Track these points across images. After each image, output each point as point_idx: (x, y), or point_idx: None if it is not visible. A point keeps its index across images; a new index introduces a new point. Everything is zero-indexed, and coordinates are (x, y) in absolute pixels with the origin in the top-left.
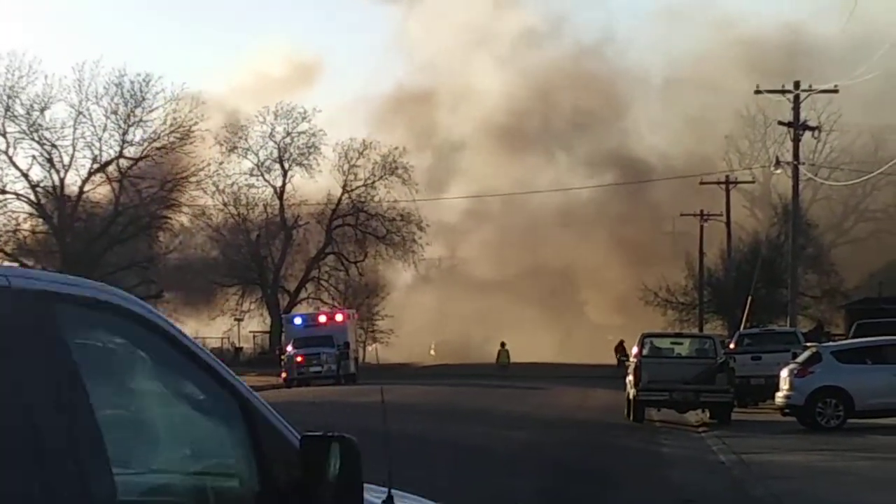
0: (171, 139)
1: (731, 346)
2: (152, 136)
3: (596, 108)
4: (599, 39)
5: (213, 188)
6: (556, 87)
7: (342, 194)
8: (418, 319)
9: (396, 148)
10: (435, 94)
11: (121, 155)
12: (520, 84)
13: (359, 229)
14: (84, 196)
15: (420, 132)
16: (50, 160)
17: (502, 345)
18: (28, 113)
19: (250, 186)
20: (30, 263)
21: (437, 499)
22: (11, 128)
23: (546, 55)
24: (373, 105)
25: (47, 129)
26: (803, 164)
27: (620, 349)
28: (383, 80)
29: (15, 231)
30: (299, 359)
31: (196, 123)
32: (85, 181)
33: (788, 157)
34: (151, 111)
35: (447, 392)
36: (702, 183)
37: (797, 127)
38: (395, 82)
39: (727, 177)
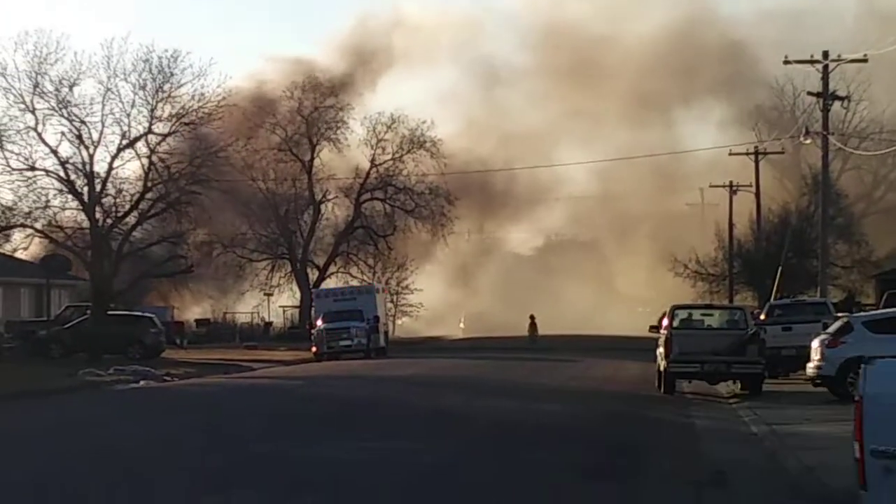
0: (200, 115)
1: (762, 317)
2: (181, 111)
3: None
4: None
5: (242, 163)
6: (569, 56)
7: (370, 168)
8: (448, 292)
9: (424, 122)
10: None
11: (149, 131)
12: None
13: (387, 203)
14: (113, 172)
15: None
16: (79, 136)
17: (531, 318)
18: (57, 90)
19: (279, 161)
20: (60, 239)
21: (469, 471)
22: (40, 104)
23: (560, 18)
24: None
25: (76, 105)
26: (832, 134)
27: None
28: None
29: (45, 207)
30: (330, 333)
31: (224, 99)
32: (114, 157)
33: (818, 127)
34: (180, 87)
35: (478, 365)
36: (731, 154)
37: (826, 97)
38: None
39: (756, 147)
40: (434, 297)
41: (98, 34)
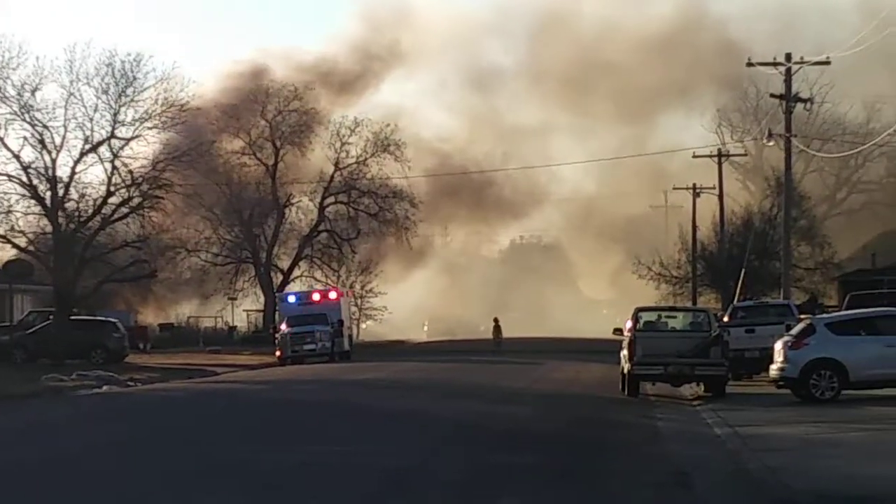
0: (163, 119)
1: (725, 319)
2: (144, 115)
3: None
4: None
5: (206, 167)
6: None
7: (334, 172)
8: (411, 296)
9: (388, 125)
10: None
11: (112, 135)
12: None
13: (351, 206)
14: (76, 177)
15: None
16: (41, 141)
17: (495, 320)
18: (19, 94)
19: (242, 165)
20: (22, 244)
21: (433, 474)
22: (2, 109)
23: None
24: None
25: (38, 110)
26: (795, 136)
27: None
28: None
29: (7, 212)
30: (293, 337)
31: (187, 103)
32: (77, 162)
33: (780, 129)
34: (143, 91)
35: (442, 369)
36: (694, 156)
37: (789, 99)
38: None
39: (719, 150)
40: (398, 301)
41: (61, 39)
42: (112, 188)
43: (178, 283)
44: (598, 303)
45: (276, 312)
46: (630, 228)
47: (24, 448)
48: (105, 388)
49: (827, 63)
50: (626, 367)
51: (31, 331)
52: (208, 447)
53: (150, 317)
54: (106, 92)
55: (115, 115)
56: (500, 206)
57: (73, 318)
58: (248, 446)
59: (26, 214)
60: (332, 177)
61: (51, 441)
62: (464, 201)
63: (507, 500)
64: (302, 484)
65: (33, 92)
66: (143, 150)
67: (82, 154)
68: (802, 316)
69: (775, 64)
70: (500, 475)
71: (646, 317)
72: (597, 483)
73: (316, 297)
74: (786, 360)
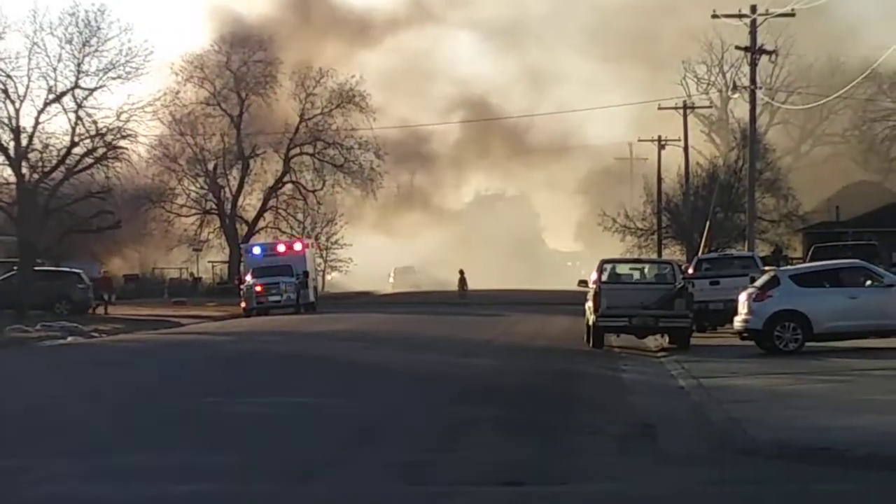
0: (127, 69)
1: (690, 271)
2: (108, 66)
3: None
4: None
5: (170, 118)
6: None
7: (299, 123)
8: (377, 248)
9: (353, 76)
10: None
11: (76, 85)
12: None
13: (316, 158)
14: (40, 127)
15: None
16: (4, 91)
17: (461, 272)
18: None
19: (207, 116)
20: None
21: (396, 426)
22: None
23: None
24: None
25: (1, 59)
26: (760, 88)
27: None
28: None
29: None
30: (258, 288)
31: (151, 53)
32: (40, 112)
33: (745, 81)
34: (107, 41)
35: (407, 321)
36: (660, 108)
37: (754, 51)
38: None
39: (685, 102)
40: (363, 252)
41: None
42: (76, 138)
43: (143, 233)
44: (563, 255)
45: (241, 264)
46: (595, 180)
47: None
48: (69, 339)
49: (792, 15)
50: (590, 318)
51: None
52: (172, 398)
53: (114, 268)
54: (70, 42)
55: (79, 65)
56: (463, 159)
57: (37, 269)
58: (212, 398)
59: None
60: (297, 128)
61: (13, 391)
62: (431, 154)
63: (467, 451)
64: (266, 433)
65: None
66: (107, 100)
67: (46, 104)
68: (767, 268)
69: (740, 16)
70: (462, 427)
71: (611, 269)
72: (559, 435)
73: (281, 248)
74: (750, 311)
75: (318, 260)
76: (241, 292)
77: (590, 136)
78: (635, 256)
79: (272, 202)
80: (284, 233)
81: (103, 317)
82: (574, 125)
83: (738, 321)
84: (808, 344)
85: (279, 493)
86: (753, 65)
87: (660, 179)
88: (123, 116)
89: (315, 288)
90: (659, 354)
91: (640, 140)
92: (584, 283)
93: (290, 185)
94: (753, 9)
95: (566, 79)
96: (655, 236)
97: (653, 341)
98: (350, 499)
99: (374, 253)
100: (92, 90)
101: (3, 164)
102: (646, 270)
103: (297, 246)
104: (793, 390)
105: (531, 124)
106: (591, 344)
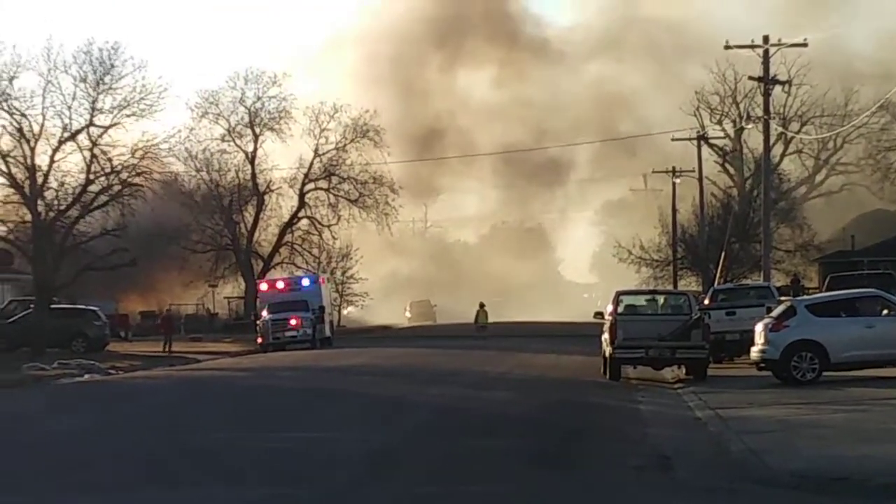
0: (142, 106)
1: (706, 301)
2: (122, 103)
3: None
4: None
5: (185, 154)
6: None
7: (314, 158)
8: (393, 281)
9: (367, 111)
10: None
11: (91, 123)
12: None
13: (331, 193)
14: (55, 165)
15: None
16: (20, 130)
17: (481, 305)
18: None
19: (222, 152)
20: (1, 233)
21: (411, 459)
22: None
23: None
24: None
25: (16, 98)
26: (774, 118)
27: None
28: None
29: None
30: (276, 324)
31: (166, 90)
32: (55, 150)
33: (759, 111)
34: (121, 79)
35: (424, 354)
36: (673, 139)
37: (767, 81)
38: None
39: (698, 133)
40: (379, 286)
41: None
42: (91, 176)
43: (159, 270)
44: (579, 286)
45: (257, 299)
46: (610, 211)
47: (2, 436)
48: (86, 376)
49: (804, 45)
50: (607, 350)
51: (11, 320)
52: (188, 434)
53: (131, 305)
54: (84, 80)
55: (94, 102)
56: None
57: (53, 306)
58: (228, 433)
59: (5, 203)
60: (311, 163)
61: (29, 429)
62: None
63: (483, 484)
64: (280, 468)
65: (11, 80)
66: (121, 137)
67: (61, 142)
68: (783, 298)
69: (753, 46)
70: (478, 459)
71: (627, 300)
72: (576, 467)
73: (296, 283)
74: (767, 342)
75: (334, 294)
76: (258, 328)
77: (605, 168)
78: (651, 288)
79: (287, 237)
80: (300, 268)
81: (120, 353)
82: (588, 157)
83: (754, 351)
84: (825, 373)
85: None
86: (767, 95)
87: (674, 210)
88: (138, 153)
89: (331, 322)
90: (676, 386)
91: (654, 171)
92: (600, 314)
93: (305, 221)
94: (766, 39)
95: (571, 114)
96: (671, 267)
97: (670, 373)
98: None
99: (389, 285)
100: (107, 128)
101: (19, 203)
102: (661, 302)
103: (313, 281)
104: (810, 420)
105: (546, 155)
106: (607, 376)
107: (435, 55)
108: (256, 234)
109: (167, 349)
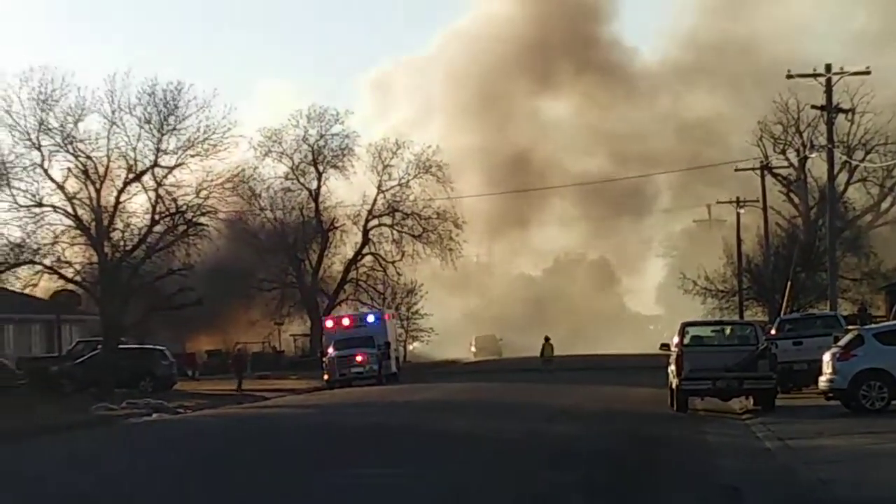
0: (206, 146)
1: (772, 331)
2: (186, 143)
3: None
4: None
5: (249, 193)
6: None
7: (377, 194)
8: (457, 316)
9: (430, 146)
10: None
11: (156, 164)
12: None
13: (395, 229)
14: (120, 206)
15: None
16: (85, 172)
17: (546, 339)
18: (62, 126)
19: (286, 190)
20: (69, 275)
21: (484, 495)
22: (46, 141)
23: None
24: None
25: (81, 140)
26: (837, 146)
27: None
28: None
29: (53, 243)
30: (342, 360)
31: (230, 129)
32: (121, 191)
33: (822, 140)
34: (184, 119)
35: (491, 388)
36: (737, 170)
37: (830, 110)
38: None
39: (762, 162)
40: (444, 321)
41: (101, 69)
42: (156, 216)
43: (224, 309)
44: (645, 318)
45: (323, 336)
46: (675, 243)
47: (77, 476)
48: (155, 415)
49: (867, 73)
50: (674, 382)
51: (79, 360)
52: (259, 471)
53: (198, 343)
54: (148, 121)
55: (158, 143)
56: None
57: (121, 346)
58: (299, 470)
59: (72, 245)
60: (374, 199)
61: (105, 469)
62: (508, 219)
63: None
64: None
65: (76, 123)
66: (186, 177)
67: (126, 183)
68: (850, 327)
69: (815, 75)
70: (551, 494)
71: (693, 331)
72: (645, 499)
73: (362, 319)
74: (834, 371)
75: (400, 330)
76: (324, 364)
77: (668, 200)
78: (717, 318)
79: (352, 274)
80: (365, 304)
81: (187, 392)
82: (655, 188)
83: (822, 381)
84: (894, 402)
85: None
86: (830, 123)
87: (739, 240)
88: (203, 193)
89: (397, 358)
90: (744, 416)
91: (718, 202)
92: (666, 346)
93: (369, 257)
94: (828, 68)
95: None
96: (737, 298)
97: (737, 403)
98: None
99: (454, 320)
100: (171, 168)
101: (86, 245)
102: (728, 332)
103: (378, 317)
104: (880, 450)
105: (609, 188)
106: (675, 408)
107: (520, 82)
108: (321, 272)
109: (239, 388)
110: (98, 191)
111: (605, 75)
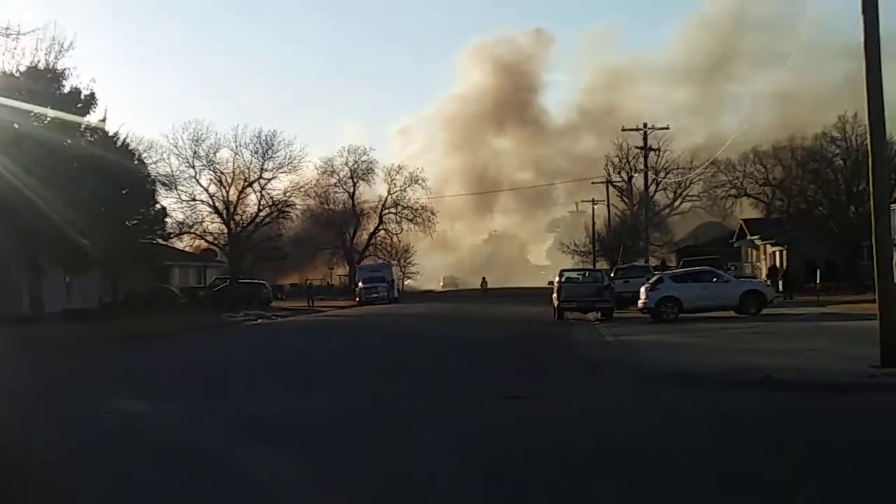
0: (289, 167)
1: (612, 275)
2: (278, 166)
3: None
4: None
5: (314, 194)
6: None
7: (387, 196)
8: (434, 264)
9: (419, 168)
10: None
11: (260, 177)
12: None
13: (398, 214)
14: (240, 201)
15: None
16: (220, 181)
17: (483, 279)
18: (207, 154)
19: (335, 192)
20: (210, 240)
21: (452, 364)
22: (198, 164)
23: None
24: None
25: (217, 163)
26: (651, 170)
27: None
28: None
29: (201, 222)
30: (366, 289)
31: (305, 157)
32: (240, 192)
33: (641, 166)
34: (277, 151)
35: (452, 307)
36: (592, 183)
37: (646, 150)
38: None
39: (606, 178)
40: (424, 267)
41: (230, 117)
42: (260, 207)
43: (301, 259)
44: (539, 267)
45: (356, 276)
46: (557, 224)
47: (235, 345)
48: (259, 320)
49: (667, 129)
50: (555, 303)
51: (216, 289)
52: (325, 344)
53: (284, 279)
54: (256, 153)
55: (262, 166)
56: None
57: (240, 280)
58: (353, 346)
59: (212, 223)
60: (385, 199)
61: (229, 351)
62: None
63: (488, 380)
64: (389, 367)
65: (215, 153)
66: (278, 185)
67: (243, 188)
68: (656, 272)
69: (637, 129)
70: (485, 367)
71: (567, 274)
72: (542, 370)
73: (378, 266)
74: (647, 297)
75: (399, 273)
76: (356, 292)
77: (561, 198)
78: (581, 267)
79: (373, 241)
80: (380, 258)
81: (278, 308)
82: (556, 191)
83: (640, 303)
84: (681, 315)
85: (374, 410)
86: (646, 156)
87: (594, 223)
88: (287, 194)
89: (398, 288)
90: (596, 323)
91: (582, 200)
92: (551, 283)
93: (382, 232)
94: (645, 125)
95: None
96: (591, 256)
97: (592, 316)
98: (412, 412)
99: (431, 267)
100: (269, 180)
101: (220, 222)
102: (586, 275)
103: (388, 265)
104: (673, 342)
105: (531, 192)
106: (556, 318)
107: (488, 127)
108: (355, 239)
109: (311, 304)
110: (227, 192)
111: (534, 124)
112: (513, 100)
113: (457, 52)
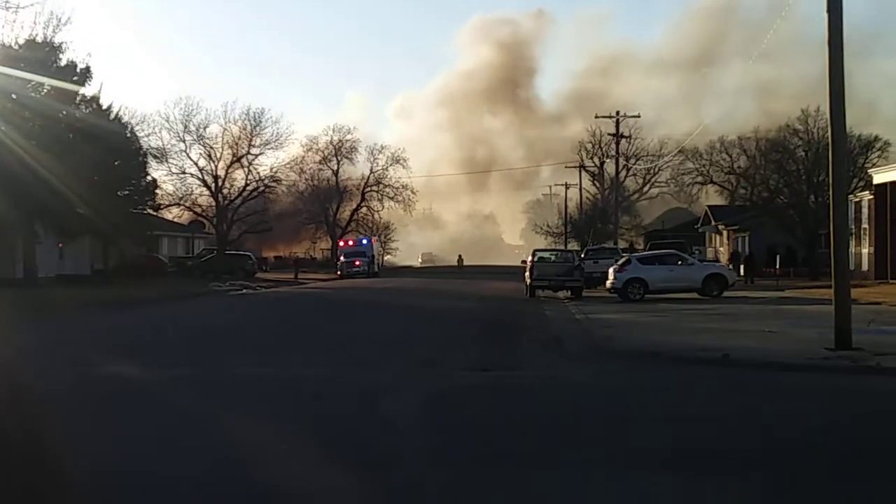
0: (275, 144)
1: (582, 256)
2: (265, 142)
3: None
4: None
5: (299, 170)
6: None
7: (370, 174)
8: (412, 241)
9: (400, 148)
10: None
11: (248, 152)
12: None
13: (380, 192)
14: (228, 174)
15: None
16: (209, 155)
17: (459, 256)
18: (197, 129)
19: (320, 170)
20: (198, 211)
21: (423, 338)
22: (188, 138)
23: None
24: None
25: (207, 138)
26: (622, 156)
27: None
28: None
29: (190, 194)
30: (347, 263)
31: (291, 134)
32: (228, 167)
33: (613, 152)
34: (265, 128)
35: (428, 281)
36: (566, 167)
37: (618, 136)
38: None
39: (579, 163)
40: (403, 244)
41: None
42: (247, 182)
43: (285, 233)
44: (513, 246)
45: (338, 250)
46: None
47: (206, 320)
48: (244, 290)
49: (638, 116)
50: (528, 281)
51: (203, 259)
52: (299, 319)
53: (268, 252)
54: (244, 129)
55: (250, 141)
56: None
57: (226, 252)
58: (320, 320)
59: (201, 195)
60: (368, 178)
61: (214, 318)
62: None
63: (459, 353)
64: (355, 340)
65: (205, 128)
66: (265, 161)
67: (231, 163)
68: (624, 254)
69: (609, 117)
70: (457, 340)
71: (539, 254)
72: (511, 343)
73: (359, 241)
74: (615, 278)
75: (379, 248)
76: (338, 265)
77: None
78: (553, 248)
79: (355, 217)
80: (361, 233)
81: (262, 279)
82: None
83: (608, 283)
84: (647, 296)
85: (353, 372)
86: (618, 143)
87: (566, 206)
88: (274, 170)
89: (378, 264)
90: (566, 301)
91: (556, 184)
92: (524, 262)
93: (364, 208)
94: (618, 112)
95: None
96: (563, 237)
97: (562, 294)
98: (392, 378)
99: (410, 244)
100: (256, 155)
101: (209, 195)
102: (558, 255)
103: (368, 240)
104: (639, 320)
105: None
106: (528, 295)
107: (482, 107)
108: (338, 215)
109: (296, 276)
110: (216, 166)
111: (525, 107)
112: (505, 80)
113: (457, 31)
